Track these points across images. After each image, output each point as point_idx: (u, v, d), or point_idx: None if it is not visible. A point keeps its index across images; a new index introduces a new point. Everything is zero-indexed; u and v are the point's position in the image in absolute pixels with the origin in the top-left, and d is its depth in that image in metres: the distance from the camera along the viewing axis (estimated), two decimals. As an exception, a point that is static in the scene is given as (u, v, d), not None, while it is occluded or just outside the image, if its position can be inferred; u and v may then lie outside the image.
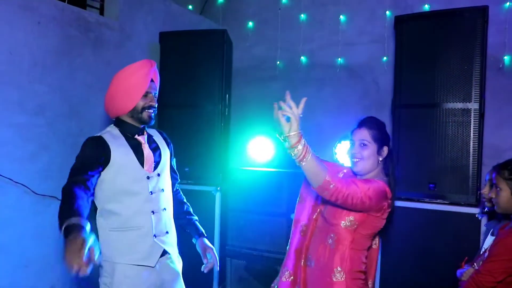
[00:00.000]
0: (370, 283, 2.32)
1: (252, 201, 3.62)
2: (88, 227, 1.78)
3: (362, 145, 2.21)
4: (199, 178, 3.81)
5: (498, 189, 2.16)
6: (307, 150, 1.90)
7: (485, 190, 2.43)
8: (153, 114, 2.30)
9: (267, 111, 4.67)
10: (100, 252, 1.89)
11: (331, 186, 1.94)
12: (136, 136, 2.30)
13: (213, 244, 3.72)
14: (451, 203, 3.06)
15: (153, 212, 2.24)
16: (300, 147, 1.88)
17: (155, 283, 2.27)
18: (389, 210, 2.16)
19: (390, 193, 2.14)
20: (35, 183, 3.28)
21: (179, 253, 2.49)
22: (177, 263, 2.44)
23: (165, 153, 2.41)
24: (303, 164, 1.91)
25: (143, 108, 2.25)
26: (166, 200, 2.35)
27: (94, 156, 2.15)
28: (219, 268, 2.28)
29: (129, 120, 2.29)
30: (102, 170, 2.16)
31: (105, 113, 3.86)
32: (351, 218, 2.13)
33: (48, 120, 3.39)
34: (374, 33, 4.10)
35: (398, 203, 3.16)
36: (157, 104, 2.33)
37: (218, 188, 3.72)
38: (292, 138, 1.88)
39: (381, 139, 2.22)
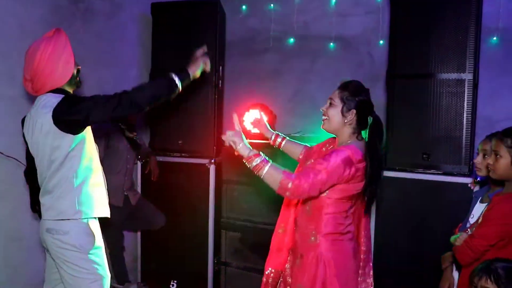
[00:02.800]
0: (363, 239, 2.41)
1: (246, 173, 3.59)
2: None
3: (330, 104, 2.25)
4: (193, 151, 3.81)
5: (498, 156, 2.16)
6: (261, 163, 2.04)
7: (477, 160, 2.45)
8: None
9: (260, 83, 4.68)
10: None
11: (289, 185, 2.01)
12: None
13: (207, 217, 3.76)
14: (444, 173, 3.08)
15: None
16: (253, 163, 2.06)
17: None
18: (362, 173, 2.15)
19: (359, 156, 2.13)
20: (23, 152, 3.26)
21: None
22: None
23: None
24: (260, 176, 2.06)
25: (78, 71, 2.40)
26: None
27: None
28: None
29: (67, 87, 2.37)
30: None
31: (96, 86, 3.83)
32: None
33: (38, 91, 3.34)
34: (369, 4, 4.05)
35: (392, 174, 3.19)
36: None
37: (212, 161, 3.72)
38: (241, 151, 2.09)
39: (350, 101, 2.21)
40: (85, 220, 2.32)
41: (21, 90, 3.22)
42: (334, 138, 2.37)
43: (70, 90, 2.39)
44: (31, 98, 3.31)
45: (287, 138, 2.67)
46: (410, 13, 3.19)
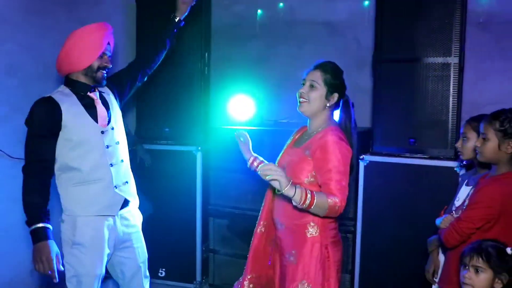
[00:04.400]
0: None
1: (234, 160, 3.57)
2: (51, 229, 2.20)
3: (311, 86, 2.18)
4: (180, 138, 3.78)
5: (486, 139, 2.16)
6: (310, 196, 1.94)
7: (458, 144, 2.46)
8: (105, 75, 2.37)
9: (247, 70, 4.65)
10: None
11: (337, 207, 1.99)
12: (89, 93, 2.35)
13: (195, 204, 3.74)
14: (430, 157, 3.09)
15: (111, 164, 2.34)
16: (299, 196, 1.92)
17: (116, 234, 2.39)
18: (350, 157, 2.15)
19: (343, 135, 2.14)
20: (10, 146, 3.21)
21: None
22: (137, 217, 2.57)
23: (115, 105, 2.48)
24: (311, 210, 1.97)
25: (99, 68, 2.32)
26: (123, 152, 2.46)
27: (45, 128, 2.25)
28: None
29: (82, 78, 2.34)
30: (58, 134, 2.25)
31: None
32: (313, 173, 2.13)
33: (20, 81, 3.29)
34: (355, -11, 4.02)
35: (379, 158, 3.20)
36: (111, 66, 2.40)
37: (199, 148, 3.70)
38: (288, 192, 1.91)
39: (333, 84, 2.19)
40: None
41: (1, 78, 3.16)
42: (303, 127, 2.35)
43: (86, 81, 2.35)
44: (13, 87, 3.25)
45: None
46: (396, -4, 3.17)
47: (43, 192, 2.25)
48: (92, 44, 2.29)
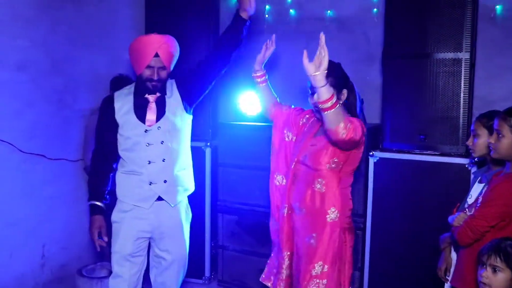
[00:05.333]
0: None
1: (243, 156, 3.60)
2: (100, 206, 2.53)
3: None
4: (189, 134, 3.78)
5: (500, 135, 2.13)
6: (335, 101, 1.95)
7: (468, 141, 2.42)
8: (156, 85, 2.47)
9: (256, 65, 4.57)
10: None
11: (349, 125, 2.02)
12: (146, 95, 2.50)
13: (203, 200, 3.75)
14: (441, 154, 3.07)
15: (149, 162, 2.48)
16: (327, 90, 1.93)
17: (152, 223, 2.56)
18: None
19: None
20: (21, 141, 3.24)
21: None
22: (182, 213, 2.69)
23: (172, 105, 2.56)
24: (329, 112, 1.95)
25: (146, 79, 2.46)
26: (168, 152, 2.53)
27: (103, 121, 2.57)
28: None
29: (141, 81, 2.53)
30: (117, 127, 2.51)
31: (89, 70, 3.80)
32: (335, 159, 2.27)
33: (31, 76, 3.31)
34: (364, -17, 4.00)
35: (389, 155, 3.18)
36: (162, 76, 2.47)
37: (208, 144, 3.71)
38: (321, 77, 1.90)
39: (338, 84, 2.25)
40: None
41: (14, 73, 3.18)
42: (311, 110, 2.45)
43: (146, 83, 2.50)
44: (25, 82, 3.27)
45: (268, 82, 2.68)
46: (406, -8, 3.15)
47: (101, 175, 2.58)
48: (138, 56, 2.44)
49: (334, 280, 2.30)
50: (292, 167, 2.42)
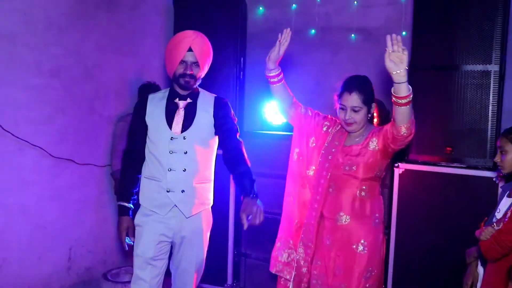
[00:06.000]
0: None
1: (267, 164, 3.62)
2: (128, 207, 2.54)
3: (354, 111, 2.36)
4: (214, 142, 3.81)
5: (503, 152, 2.20)
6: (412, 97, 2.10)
7: (497, 158, 2.37)
8: (189, 81, 2.47)
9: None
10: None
11: (410, 125, 2.19)
12: (176, 100, 2.53)
13: (227, 207, 3.77)
14: (468, 167, 3.03)
15: (169, 169, 2.47)
16: (408, 86, 2.07)
17: (173, 227, 2.55)
18: None
19: None
20: (52, 146, 3.32)
21: None
22: (202, 221, 2.67)
23: (202, 118, 2.54)
24: (407, 107, 2.10)
25: (179, 75, 2.46)
26: (190, 162, 2.52)
27: (135, 122, 2.59)
28: (258, 221, 2.42)
29: (174, 85, 2.56)
30: (146, 129, 2.54)
31: (119, 76, 3.87)
32: (381, 167, 2.42)
33: (63, 83, 3.39)
34: (392, -6, 3.99)
35: (414, 167, 3.15)
36: (195, 72, 2.47)
37: (233, 152, 3.72)
38: (404, 74, 2.04)
39: (370, 99, 2.40)
40: None
41: (46, 80, 3.27)
42: (333, 118, 2.57)
43: (177, 89, 2.55)
44: (57, 88, 3.36)
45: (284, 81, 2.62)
46: (434, 3, 3.13)
47: (130, 176, 2.59)
48: (172, 53, 2.44)
49: (378, 283, 2.45)
50: (328, 177, 2.45)
